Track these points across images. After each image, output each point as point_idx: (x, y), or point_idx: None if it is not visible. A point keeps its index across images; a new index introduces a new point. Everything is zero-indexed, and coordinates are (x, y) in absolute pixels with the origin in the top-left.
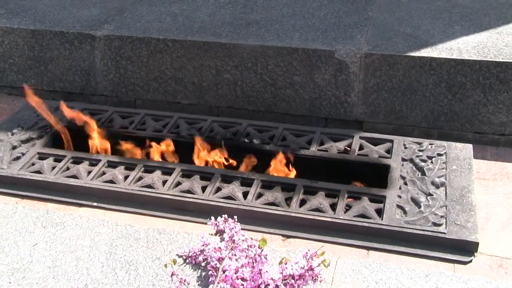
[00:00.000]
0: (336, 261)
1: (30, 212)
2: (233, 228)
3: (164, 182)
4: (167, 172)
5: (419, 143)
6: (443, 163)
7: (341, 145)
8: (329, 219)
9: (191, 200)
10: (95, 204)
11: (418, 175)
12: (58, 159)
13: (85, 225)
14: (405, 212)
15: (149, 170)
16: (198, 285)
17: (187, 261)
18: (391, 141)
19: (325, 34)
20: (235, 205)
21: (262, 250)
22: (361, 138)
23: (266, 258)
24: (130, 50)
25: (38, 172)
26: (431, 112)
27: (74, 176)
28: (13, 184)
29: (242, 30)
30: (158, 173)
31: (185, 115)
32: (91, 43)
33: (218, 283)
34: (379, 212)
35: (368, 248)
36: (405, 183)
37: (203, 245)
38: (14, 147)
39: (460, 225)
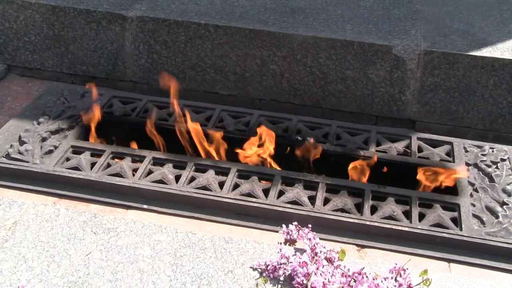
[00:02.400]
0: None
1: (75, 215)
2: (311, 238)
3: (221, 184)
4: (222, 172)
5: (480, 147)
6: (509, 169)
7: (400, 146)
8: (406, 229)
9: (254, 205)
10: (145, 206)
11: (486, 181)
12: (95, 153)
13: (141, 232)
14: (482, 222)
15: (200, 169)
16: None
17: (263, 275)
18: (451, 143)
19: (378, 27)
20: (303, 211)
21: (363, 268)
22: (418, 139)
23: (367, 277)
24: (166, 34)
25: (76, 168)
26: (489, 114)
27: (118, 175)
28: (49, 181)
29: (288, 18)
30: (211, 173)
31: (228, 107)
32: (122, 24)
33: None
34: (455, 221)
35: (449, 261)
36: (476, 190)
37: (281, 257)
38: (44, 139)
39: None
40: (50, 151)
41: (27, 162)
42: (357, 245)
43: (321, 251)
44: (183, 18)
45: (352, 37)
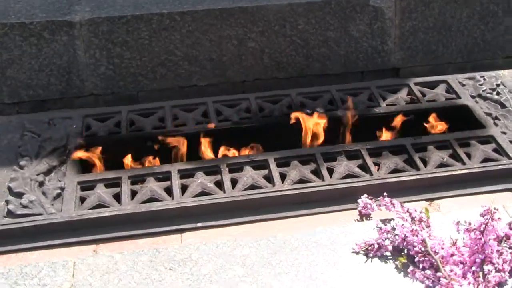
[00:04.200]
0: None
1: (134, 256)
2: (395, 205)
3: (267, 178)
4: (259, 166)
5: (472, 78)
6: (509, 92)
7: (403, 95)
8: (465, 171)
9: (314, 189)
10: (199, 224)
11: (499, 108)
12: (110, 184)
13: (219, 252)
14: None
15: (236, 169)
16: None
17: (370, 255)
18: (445, 81)
19: None
20: (364, 182)
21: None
22: (416, 84)
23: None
24: (125, 33)
25: (100, 206)
26: (465, 45)
27: (153, 199)
28: (76, 229)
29: None
30: (249, 169)
31: (218, 98)
32: (69, 32)
33: (444, 266)
34: (498, 152)
35: None
36: (496, 119)
37: (383, 232)
38: (41, 184)
39: None
40: (58, 195)
41: (40, 214)
42: (426, 200)
43: (415, 215)
44: (141, 11)
45: None
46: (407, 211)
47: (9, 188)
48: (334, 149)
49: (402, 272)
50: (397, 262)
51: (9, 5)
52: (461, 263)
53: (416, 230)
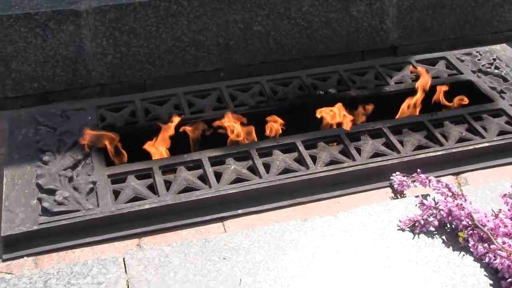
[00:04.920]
0: None
1: (184, 248)
2: (430, 181)
3: (298, 161)
4: (288, 149)
5: (469, 54)
6: (507, 65)
7: (407, 72)
8: (486, 144)
9: (347, 169)
10: (240, 211)
11: (502, 82)
12: (141, 175)
13: (272, 237)
14: None
15: (264, 153)
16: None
17: (416, 231)
18: (444, 57)
19: None
20: (394, 159)
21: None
22: (417, 61)
23: None
24: (132, 20)
25: (137, 198)
26: (457, 22)
27: (190, 189)
28: (117, 223)
29: None
30: (279, 153)
31: (231, 82)
32: (75, 22)
33: (496, 238)
34: (511, 125)
35: None
36: (502, 92)
37: (427, 208)
38: (70, 179)
39: None
40: (91, 190)
41: (78, 210)
42: (452, 174)
43: (454, 190)
44: None
45: None
46: (446, 186)
47: (39, 185)
48: (357, 129)
49: (451, 247)
50: (443, 237)
51: None
52: (507, 234)
53: (461, 204)
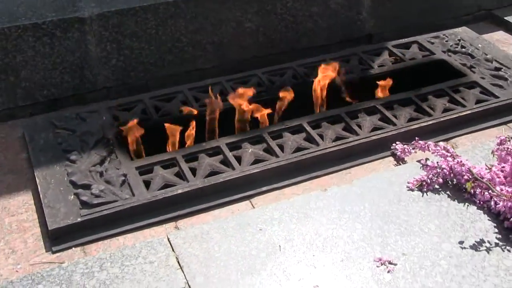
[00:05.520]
0: None
1: (221, 223)
2: (429, 146)
3: (308, 140)
4: (296, 130)
5: (437, 37)
6: (470, 44)
7: (387, 56)
8: (468, 112)
9: (354, 143)
10: (264, 188)
11: (470, 58)
12: (165, 165)
13: (299, 206)
14: (502, 87)
15: (276, 136)
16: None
17: (424, 190)
18: (416, 41)
19: None
20: (392, 131)
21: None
22: (393, 46)
23: None
24: (134, 24)
25: (167, 185)
26: (422, 10)
27: (215, 172)
28: (154, 210)
29: None
30: (289, 135)
31: (229, 77)
32: (80, 28)
33: (494, 187)
34: (485, 94)
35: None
36: (472, 67)
37: (431, 168)
38: (101, 174)
39: None
40: (123, 182)
41: (116, 201)
42: (443, 140)
43: (451, 151)
44: (148, 2)
45: None
46: (444, 148)
47: (72, 182)
48: (355, 108)
49: (456, 200)
50: (447, 192)
51: (12, 9)
52: (502, 183)
53: (460, 161)
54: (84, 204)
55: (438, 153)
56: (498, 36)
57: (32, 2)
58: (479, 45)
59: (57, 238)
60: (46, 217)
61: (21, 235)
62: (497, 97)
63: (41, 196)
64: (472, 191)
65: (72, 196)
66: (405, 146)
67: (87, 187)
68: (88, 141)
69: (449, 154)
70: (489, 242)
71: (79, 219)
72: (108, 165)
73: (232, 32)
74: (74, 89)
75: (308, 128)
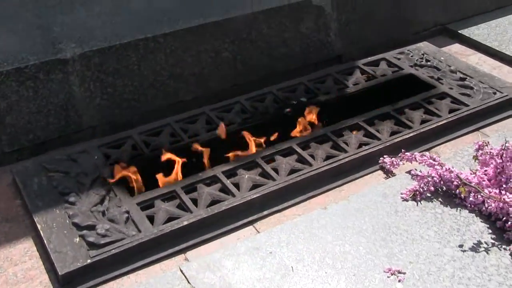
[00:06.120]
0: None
1: (232, 251)
2: (417, 156)
3: (301, 161)
4: (288, 153)
5: (402, 52)
6: (434, 57)
7: (359, 75)
8: (445, 121)
9: (343, 161)
10: (265, 212)
11: (436, 71)
12: (168, 197)
13: (304, 227)
14: (470, 95)
15: (270, 159)
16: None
17: (417, 199)
18: (384, 58)
19: None
20: (378, 146)
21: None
22: (364, 65)
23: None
24: (115, 62)
25: (172, 218)
26: (386, 28)
27: (215, 202)
28: (162, 243)
29: (204, 7)
30: (281, 158)
31: (212, 106)
32: (63, 69)
33: (483, 189)
34: (455, 103)
35: (481, 127)
36: (439, 79)
37: (420, 178)
38: (103, 213)
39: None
40: (127, 219)
41: (123, 238)
42: (425, 150)
43: (438, 160)
44: (127, 39)
45: (279, 3)
46: (431, 157)
47: (76, 224)
48: (338, 126)
49: (448, 205)
50: (439, 199)
51: None
52: (488, 186)
53: (449, 168)
54: (92, 245)
55: (426, 163)
56: (456, 49)
57: (11, 47)
58: (442, 58)
59: (68, 282)
60: (54, 262)
61: (28, 285)
62: (467, 105)
63: (45, 241)
64: (462, 195)
65: (78, 239)
66: (393, 158)
67: (91, 227)
68: (84, 182)
69: (436, 163)
70: (486, 243)
71: (88, 261)
72: (109, 203)
73: (211, 62)
74: (60, 131)
75: (299, 150)
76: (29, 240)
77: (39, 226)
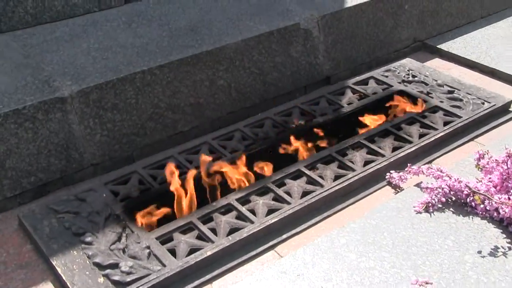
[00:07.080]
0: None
1: (259, 276)
2: (423, 170)
3: (312, 183)
4: (296, 176)
5: (388, 70)
6: (419, 73)
7: (351, 95)
8: (442, 133)
9: (351, 181)
10: (284, 236)
11: (424, 85)
12: (186, 229)
13: (326, 247)
14: (460, 107)
15: (280, 183)
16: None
17: (430, 210)
18: (372, 77)
19: (270, 14)
20: (383, 162)
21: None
22: (353, 84)
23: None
24: (113, 96)
25: (193, 250)
26: (369, 47)
27: (235, 229)
28: (188, 276)
29: (195, 36)
30: (291, 181)
31: (213, 135)
32: (62, 108)
33: (492, 196)
34: (449, 116)
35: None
36: (429, 93)
37: (431, 190)
38: (124, 250)
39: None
40: (149, 254)
41: (149, 274)
42: (427, 163)
43: (445, 171)
44: (123, 73)
45: (266, 29)
46: (438, 169)
47: (97, 264)
48: (342, 146)
49: (461, 214)
50: (451, 209)
51: None
52: (496, 193)
53: (458, 179)
54: (118, 284)
55: (433, 175)
56: (437, 63)
57: (2, 88)
58: (427, 73)
59: None
60: None
61: None
62: (459, 117)
63: (68, 284)
64: (473, 203)
65: (102, 279)
66: (400, 173)
67: (114, 266)
68: (97, 221)
69: (444, 174)
70: (502, 247)
71: None
72: (127, 240)
73: (207, 91)
74: (62, 171)
75: (308, 172)
76: (48, 284)
77: (59, 270)
